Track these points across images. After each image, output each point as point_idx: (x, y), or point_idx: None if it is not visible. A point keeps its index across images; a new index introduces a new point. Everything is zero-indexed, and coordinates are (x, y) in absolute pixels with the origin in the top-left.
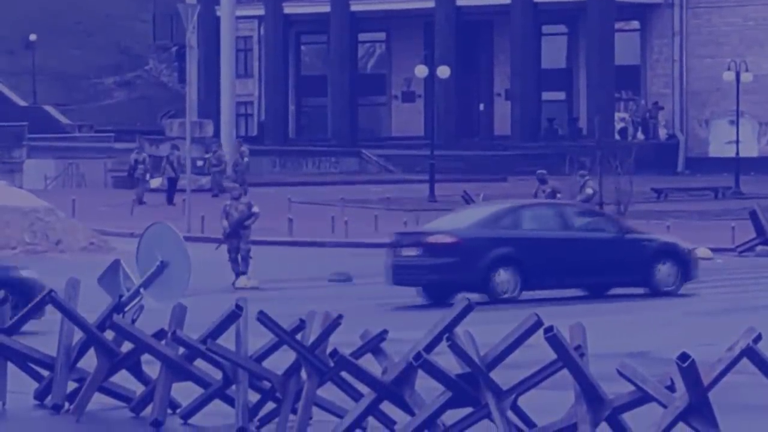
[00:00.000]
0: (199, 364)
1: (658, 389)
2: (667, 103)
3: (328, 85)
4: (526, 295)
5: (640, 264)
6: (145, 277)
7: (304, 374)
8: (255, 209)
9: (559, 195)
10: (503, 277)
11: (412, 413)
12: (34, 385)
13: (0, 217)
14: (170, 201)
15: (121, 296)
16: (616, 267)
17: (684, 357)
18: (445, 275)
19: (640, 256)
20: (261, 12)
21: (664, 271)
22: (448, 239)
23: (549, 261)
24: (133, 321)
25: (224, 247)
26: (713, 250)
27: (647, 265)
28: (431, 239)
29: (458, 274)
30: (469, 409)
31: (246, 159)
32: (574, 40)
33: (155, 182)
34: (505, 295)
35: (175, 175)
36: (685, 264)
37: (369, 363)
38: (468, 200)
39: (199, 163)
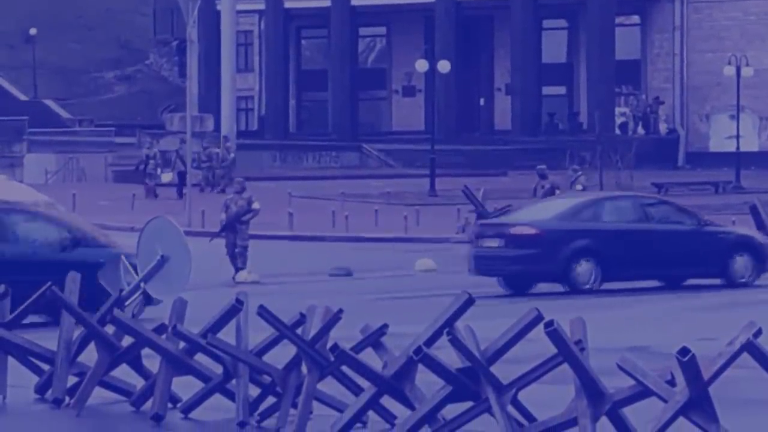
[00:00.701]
0: (200, 358)
1: (659, 384)
2: (667, 97)
3: (328, 79)
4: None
5: (717, 255)
6: (145, 271)
7: (304, 368)
8: (255, 205)
9: (558, 191)
10: (584, 268)
11: (412, 407)
12: (35, 379)
13: None
14: (181, 195)
15: (121, 290)
16: (694, 258)
17: (684, 351)
18: (527, 266)
19: (717, 248)
20: (261, 6)
21: (741, 262)
22: (530, 231)
23: (628, 253)
24: (134, 315)
25: (223, 241)
26: None
27: (724, 257)
28: (514, 230)
29: (540, 265)
30: (469, 404)
31: (232, 155)
32: (575, 35)
33: (166, 177)
34: (586, 286)
35: (185, 169)
36: (760, 256)
37: (369, 357)
38: (468, 195)
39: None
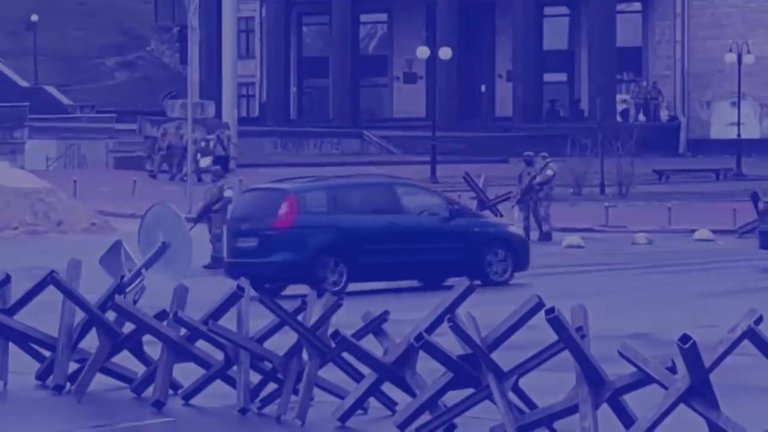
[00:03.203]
0: (201, 344)
1: (660, 371)
2: (668, 84)
3: (329, 66)
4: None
5: None
6: (146, 257)
7: (305, 355)
8: (227, 193)
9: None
10: None
11: (413, 394)
12: (36, 365)
13: (1, 198)
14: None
15: (122, 277)
16: None
17: (685, 338)
18: None
19: None
20: None
21: None
22: None
23: None
24: (135, 302)
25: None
26: (714, 232)
27: None
28: None
29: None
30: (470, 391)
31: (183, 141)
32: (576, 22)
33: (204, 162)
34: None
35: (225, 153)
36: None
37: (370, 344)
38: (469, 182)
39: (202, 143)
